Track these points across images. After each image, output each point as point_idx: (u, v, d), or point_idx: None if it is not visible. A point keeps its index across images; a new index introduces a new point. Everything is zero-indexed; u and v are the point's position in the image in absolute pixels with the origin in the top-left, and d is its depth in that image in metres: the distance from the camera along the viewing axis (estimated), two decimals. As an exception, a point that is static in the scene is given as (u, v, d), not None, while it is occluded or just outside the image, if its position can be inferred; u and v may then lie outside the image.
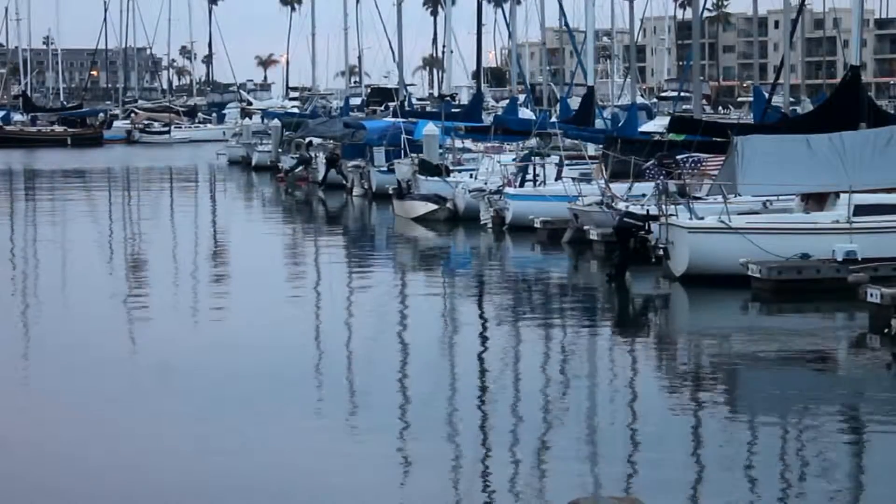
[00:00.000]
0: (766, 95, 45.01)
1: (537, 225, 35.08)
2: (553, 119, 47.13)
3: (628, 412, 16.78)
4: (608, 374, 19.40)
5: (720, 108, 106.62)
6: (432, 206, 40.37)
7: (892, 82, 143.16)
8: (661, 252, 26.74)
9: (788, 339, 21.72)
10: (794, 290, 24.75)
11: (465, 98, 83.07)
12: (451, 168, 44.52)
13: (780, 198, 28.23)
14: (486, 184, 38.80)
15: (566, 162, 39.54)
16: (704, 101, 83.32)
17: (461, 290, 28.51)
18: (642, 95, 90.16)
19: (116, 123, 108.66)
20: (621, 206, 30.26)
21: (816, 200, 27.61)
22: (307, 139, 63.36)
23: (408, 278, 30.37)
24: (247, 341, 21.57)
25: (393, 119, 54.66)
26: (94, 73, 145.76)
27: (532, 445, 14.77)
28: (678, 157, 33.93)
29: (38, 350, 21.58)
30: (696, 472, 13.96)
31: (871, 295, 21.60)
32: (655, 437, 15.16)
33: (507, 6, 60.39)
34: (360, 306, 25.82)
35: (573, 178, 35.94)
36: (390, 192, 44.38)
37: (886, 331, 20.58)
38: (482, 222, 37.32)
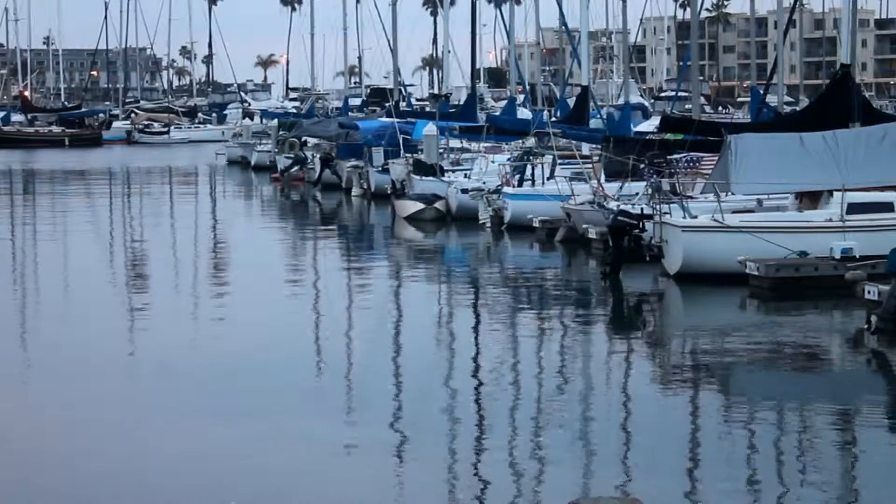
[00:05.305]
0: (765, 95, 44.99)
1: (536, 224, 35.08)
2: (549, 119, 47.06)
3: (629, 411, 16.76)
4: (608, 373, 19.41)
5: (720, 108, 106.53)
6: (420, 206, 40.52)
7: (892, 82, 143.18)
8: (654, 251, 26.77)
9: (785, 336, 21.71)
10: (792, 287, 24.77)
11: (462, 98, 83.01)
12: (446, 168, 44.54)
13: (772, 196, 28.23)
14: (483, 183, 38.80)
15: (559, 161, 39.55)
16: (704, 101, 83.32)
17: (459, 288, 28.54)
18: (642, 95, 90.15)
19: (116, 124, 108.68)
20: (613, 205, 30.29)
21: (810, 199, 27.62)
22: (302, 139, 63.41)
23: (405, 278, 30.33)
24: (246, 341, 21.63)
25: (388, 119, 54.63)
26: (95, 73, 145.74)
27: (531, 445, 14.76)
28: (676, 156, 33.96)
29: (35, 350, 21.66)
30: (695, 472, 13.97)
31: (869, 292, 21.63)
32: (655, 436, 15.16)
33: (505, 6, 60.44)
34: (357, 306, 25.94)
35: (565, 177, 35.95)
36: (388, 191, 44.45)
37: (867, 327, 20.67)
38: (481, 222, 37.32)
